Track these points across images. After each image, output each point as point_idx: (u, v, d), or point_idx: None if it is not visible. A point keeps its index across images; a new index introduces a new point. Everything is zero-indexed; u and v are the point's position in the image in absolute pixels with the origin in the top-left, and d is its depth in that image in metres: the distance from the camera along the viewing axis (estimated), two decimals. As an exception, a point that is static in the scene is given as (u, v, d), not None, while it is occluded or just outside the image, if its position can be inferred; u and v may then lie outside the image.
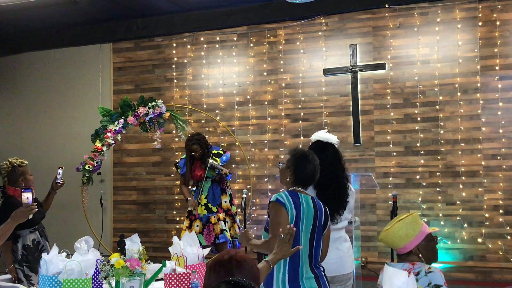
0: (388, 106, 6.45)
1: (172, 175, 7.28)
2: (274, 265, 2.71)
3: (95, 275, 2.98)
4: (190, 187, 5.99)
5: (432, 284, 2.71)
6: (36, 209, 3.11)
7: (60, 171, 4.64)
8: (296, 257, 2.91)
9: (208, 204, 5.76)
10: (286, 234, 2.69)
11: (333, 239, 3.32)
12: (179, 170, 5.97)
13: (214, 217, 5.73)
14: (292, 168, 3.04)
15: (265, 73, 6.96)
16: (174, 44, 7.36)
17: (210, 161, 5.63)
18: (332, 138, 3.56)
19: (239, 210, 6.46)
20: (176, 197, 7.24)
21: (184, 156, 5.98)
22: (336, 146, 3.56)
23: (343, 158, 3.59)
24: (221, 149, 6.01)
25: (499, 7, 6.09)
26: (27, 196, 3.07)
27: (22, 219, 3.10)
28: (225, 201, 5.83)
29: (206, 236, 5.70)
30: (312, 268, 2.98)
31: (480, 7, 6.14)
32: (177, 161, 6.13)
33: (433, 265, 2.86)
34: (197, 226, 5.74)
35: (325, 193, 3.31)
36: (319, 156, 3.15)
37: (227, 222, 5.78)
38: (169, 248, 3.28)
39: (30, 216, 3.10)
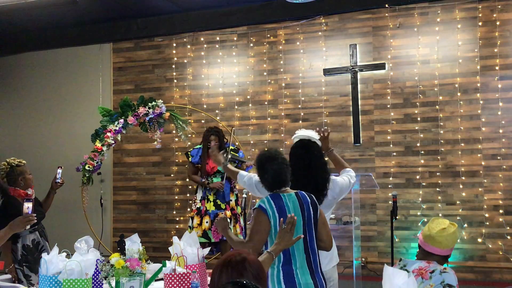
0: (388, 106, 6.45)
1: (172, 175, 7.28)
2: (277, 255, 2.74)
3: (95, 275, 2.98)
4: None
5: (445, 283, 2.75)
6: (35, 220, 3.11)
7: (59, 170, 4.64)
8: (287, 253, 2.91)
9: (217, 201, 5.74)
10: (288, 224, 2.70)
11: None
12: (190, 158, 5.89)
13: (222, 213, 5.71)
14: (259, 177, 3.09)
15: (265, 73, 6.96)
16: (174, 44, 7.36)
17: (229, 155, 5.61)
18: (313, 135, 3.60)
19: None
20: (176, 197, 7.24)
21: (196, 146, 5.97)
22: (318, 143, 3.60)
23: (324, 156, 3.62)
24: (236, 146, 6.01)
25: (499, 7, 6.09)
26: (27, 206, 3.08)
27: (19, 228, 3.12)
28: (231, 200, 5.83)
29: (214, 232, 5.68)
30: (308, 264, 2.96)
31: (480, 7, 6.15)
32: (189, 150, 6.09)
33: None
34: (207, 222, 5.72)
35: (303, 188, 3.30)
36: (298, 154, 3.18)
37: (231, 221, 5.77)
38: (169, 248, 3.28)
39: (28, 227, 3.11)
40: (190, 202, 6.35)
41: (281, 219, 2.78)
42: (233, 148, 5.78)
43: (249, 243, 2.93)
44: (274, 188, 3.04)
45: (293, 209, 2.95)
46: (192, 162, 5.88)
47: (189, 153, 5.96)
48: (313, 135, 3.60)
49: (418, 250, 3.07)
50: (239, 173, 3.64)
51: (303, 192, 3.08)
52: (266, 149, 3.19)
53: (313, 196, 3.11)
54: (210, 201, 5.75)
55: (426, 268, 2.82)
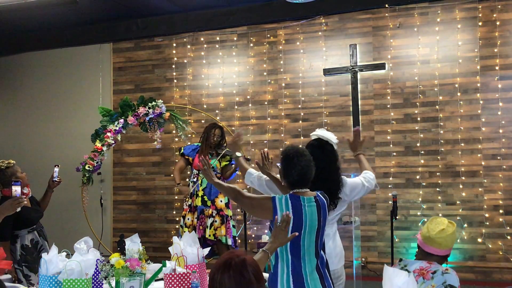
0: (388, 106, 6.45)
1: (172, 175, 7.27)
2: (272, 253, 2.70)
3: (95, 275, 2.98)
4: (190, 179, 5.92)
5: (447, 283, 2.75)
6: (25, 202, 3.09)
7: (56, 169, 4.61)
8: (298, 258, 2.87)
9: (204, 197, 5.72)
10: (282, 222, 2.68)
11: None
12: (182, 150, 5.87)
13: (207, 210, 5.69)
14: (282, 172, 2.97)
15: (265, 73, 6.96)
16: (174, 44, 7.36)
17: (225, 150, 5.62)
18: (333, 138, 3.55)
19: (238, 210, 6.46)
20: (176, 197, 7.24)
21: (193, 143, 5.97)
22: (335, 147, 3.55)
23: (340, 160, 3.57)
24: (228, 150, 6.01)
25: (499, 7, 6.09)
26: (15, 189, 3.06)
27: (9, 211, 3.09)
28: (221, 201, 5.76)
29: (198, 228, 5.66)
30: (318, 269, 2.92)
31: (480, 7, 6.14)
32: (183, 146, 6.07)
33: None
34: (196, 218, 5.72)
35: (315, 190, 3.28)
36: (315, 153, 3.11)
37: (216, 221, 5.71)
38: (169, 248, 3.28)
39: (18, 209, 3.08)
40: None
41: (276, 216, 2.75)
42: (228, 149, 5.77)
43: (244, 197, 2.98)
44: (297, 185, 2.92)
45: (310, 214, 2.87)
46: (183, 153, 5.84)
47: (182, 148, 5.96)
48: (333, 138, 3.56)
49: (417, 250, 3.06)
50: (247, 171, 3.54)
51: (320, 195, 2.99)
52: (291, 145, 3.11)
53: (327, 198, 3.05)
54: (198, 196, 5.73)
55: (428, 269, 2.82)
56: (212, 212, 5.67)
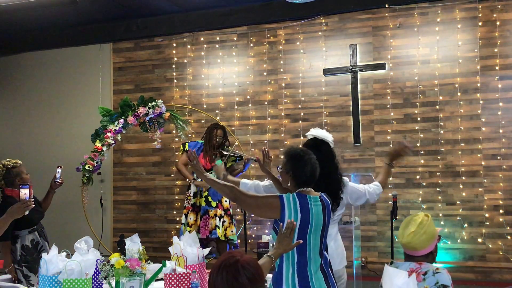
0: (388, 106, 6.45)
1: (172, 175, 7.28)
2: (276, 259, 2.71)
3: (95, 275, 2.98)
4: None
5: (440, 283, 2.73)
6: (33, 205, 3.09)
7: (59, 170, 4.63)
8: (304, 257, 2.87)
9: (208, 197, 5.71)
10: (287, 229, 2.69)
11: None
12: (186, 147, 5.83)
13: (212, 211, 5.69)
14: (290, 173, 2.96)
15: (265, 73, 6.96)
16: (174, 44, 7.36)
17: (231, 148, 5.60)
18: (328, 137, 3.55)
19: (238, 210, 6.46)
20: (176, 197, 7.24)
21: (197, 140, 5.95)
22: (332, 145, 3.55)
23: (337, 157, 3.57)
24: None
25: (499, 7, 6.09)
26: (24, 192, 3.06)
27: (18, 214, 3.09)
28: (226, 201, 5.78)
29: (202, 228, 5.65)
30: (322, 268, 2.93)
31: (480, 7, 6.15)
32: (187, 142, 6.04)
33: (436, 265, 2.88)
34: (199, 218, 5.72)
35: (317, 190, 3.28)
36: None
37: (225, 221, 5.73)
38: (169, 248, 3.28)
39: (26, 213, 3.08)
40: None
41: (281, 224, 2.76)
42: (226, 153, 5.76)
43: (247, 196, 2.92)
44: (307, 184, 2.94)
45: (316, 211, 2.88)
46: (188, 150, 5.80)
47: (186, 143, 5.93)
48: (328, 136, 3.56)
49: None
50: (241, 182, 3.51)
51: (324, 196, 3.00)
52: (291, 146, 3.09)
53: (330, 200, 3.06)
54: (202, 197, 5.72)
55: (418, 270, 2.80)
56: (221, 213, 5.69)
